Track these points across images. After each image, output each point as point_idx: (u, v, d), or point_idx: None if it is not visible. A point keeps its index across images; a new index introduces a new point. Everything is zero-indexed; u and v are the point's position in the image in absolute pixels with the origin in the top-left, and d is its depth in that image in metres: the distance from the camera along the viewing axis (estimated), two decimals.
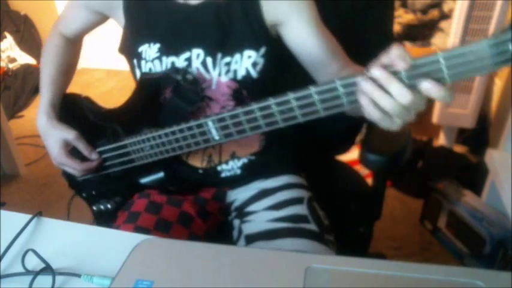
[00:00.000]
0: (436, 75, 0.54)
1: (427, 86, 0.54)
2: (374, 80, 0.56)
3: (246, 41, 0.82)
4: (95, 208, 1.00)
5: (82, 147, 0.90)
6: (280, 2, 0.81)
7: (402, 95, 0.54)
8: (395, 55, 0.54)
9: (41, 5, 3.16)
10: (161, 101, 0.85)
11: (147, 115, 0.86)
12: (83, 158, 0.91)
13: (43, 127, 0.92)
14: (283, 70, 0.88)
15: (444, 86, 0.54)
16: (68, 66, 0.99)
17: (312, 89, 0.62)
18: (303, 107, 0.64)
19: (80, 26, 0.97)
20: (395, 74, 0.55)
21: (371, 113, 0.58)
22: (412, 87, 0.55)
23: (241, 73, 0.82)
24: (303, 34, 0.82)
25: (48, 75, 0.94)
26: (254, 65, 0.82)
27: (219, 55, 0.82)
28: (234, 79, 0.83)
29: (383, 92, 0.56)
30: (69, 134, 0.89)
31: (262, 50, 0.82)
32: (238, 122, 0.70)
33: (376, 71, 0.55)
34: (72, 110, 0.95)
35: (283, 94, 0.64)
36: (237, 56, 0.82)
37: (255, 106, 0.67)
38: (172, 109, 0.82)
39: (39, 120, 0.92)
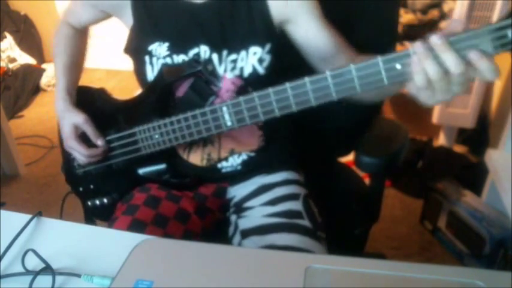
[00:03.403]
0: None
1: (476, 57, 0.55)
2: (430, 48, 0.57)
3: (251, 37, 0.83)
4: (89, 203, 1.00)
5: (90, 131, 0.92)
6: (288, 0, 0.82)
7: (456, 64, 0.56)
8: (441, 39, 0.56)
9: (41, 5, 3.16)
10: (176, 94, 0.87)
11: (160, 107, 0.87)
12: (91, 145, 0.93)
13: (60, 112, 0.94)
14: (289, 66, 0.88)
15: (491, 59, 0.55)
16: (80, 54, 1.03)
17: (327, 73, 0.64)
18: (316, 91, 0.66)
19: (87, 21, 1.00)
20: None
21: (417, 81, 0.59)
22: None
23: (247, 70, 0.83)
24: (311, 30, 0.84)
25: (62, 64, 0.97)
26: (260, 61, 0.83)
27: (225, 52, 0.83)
28: (240, 76, 0.84)
29: (435, 61, 0.57)
30: (79, 118, 0.91)
31: (268, 46, 0.84)
32: (252, 107, 0.71)
33: (434, 38, 0.56)
34: (84, 101, 0.97)
35: (300, 78, 0.66)
36: (243, 53, 0.83)
37: (270, 90, 0.69)
38: (187, 102, 0.84)
39: (57, 105, 0.95)
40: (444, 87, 0.59)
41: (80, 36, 1.03)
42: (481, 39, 0.55)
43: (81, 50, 1.04)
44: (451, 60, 0.56)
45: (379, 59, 0.61)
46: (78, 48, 1.03)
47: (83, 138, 0.93)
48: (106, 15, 0.96)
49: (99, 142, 0.93)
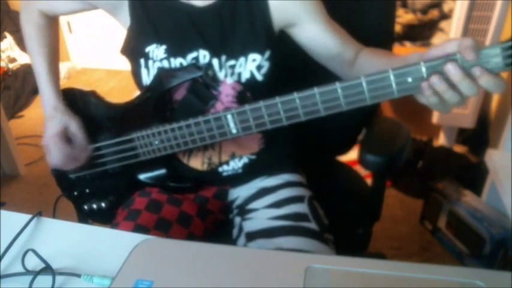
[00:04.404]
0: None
1: (484, 77, 0.56)
2: (445, 75, 0.58)
3: (251, 44, 0.82)
4: (86, 207, 0.98)
5: (81, 138, 0.90)
6: (290, 5, 0.81)
7: (470, 88, 0.57)
8: (467, 46, 0.56)
9: None
10: (175, 97, 0.85)
11: (157, 111, 0.85)
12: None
13: (51, 110, 0.92)
14: (287, 72, 0.88)
15: (497, 75, 0.56)
16: (57, 46, 0.99)
17: (337, 84, 0.64)
18: (325, 102, 0.65)
19: (66, 11, 0.95)
20: (455, 60, 0.57)
21: (430, 100, 0.60)
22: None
23: (245, 76, 0.82)
24: (316, 31, 0.83)
25: (43, 58, 0.93)
26: (259, 68, 0.82)
27: (224, 57, 0.82)
28: (239, 81, 0.83)
29: (450, 87, 0.58)
30: (73, 123, 0.90)
31: (267, 53, 0.83)
32: (259, 116, 0.70)
33: (451, 68, 0.57)
34: (76, 104, 0.95)
35: (309, 89, 0.65)
36: (242, 59, 0.82)
37: (278, 100, 0.68)
38: (187, 106, 0.82)
39: (47, 103, 0.93)
40: (457, 101, 0.60)
41: (54, 25, 0.97)
42: (491, 57, 0.56)
43: (56, 39, 0.99)
44: (467, 87, 0.57)
45: (391, 73, 0.60)
46: (55, 38, 0.97)
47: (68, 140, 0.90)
48: (90, 8, 0.91)
49: (87, 151, 0.91)
